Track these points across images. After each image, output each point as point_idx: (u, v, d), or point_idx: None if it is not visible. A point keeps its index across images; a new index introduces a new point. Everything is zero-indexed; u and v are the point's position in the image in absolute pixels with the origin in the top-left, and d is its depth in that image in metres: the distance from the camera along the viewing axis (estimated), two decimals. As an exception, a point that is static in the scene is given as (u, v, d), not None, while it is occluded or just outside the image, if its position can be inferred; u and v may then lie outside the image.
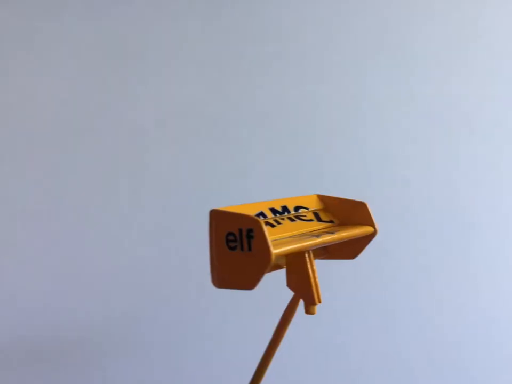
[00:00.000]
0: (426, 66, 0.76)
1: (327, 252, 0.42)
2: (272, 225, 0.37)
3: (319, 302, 0.36)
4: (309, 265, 0.35)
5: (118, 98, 0.73)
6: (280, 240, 0.35)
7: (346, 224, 0.42)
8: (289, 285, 0.36)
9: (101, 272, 0.72)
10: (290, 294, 0.37)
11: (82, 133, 0.73)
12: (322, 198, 0.43)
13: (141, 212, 0.73)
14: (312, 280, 0.35)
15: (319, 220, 0.41)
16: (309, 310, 0.36)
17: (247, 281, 0.32)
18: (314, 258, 0.37)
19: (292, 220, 0.39)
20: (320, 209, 0.42)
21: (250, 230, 0.31)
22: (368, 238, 0.41)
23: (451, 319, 0.76)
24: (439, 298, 0.76)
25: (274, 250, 0.30)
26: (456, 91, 0.76)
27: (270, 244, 0.30)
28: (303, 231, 0.39)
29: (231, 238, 0.32)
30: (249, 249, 0.31)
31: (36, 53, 0.73)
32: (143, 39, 0.73)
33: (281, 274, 0.37)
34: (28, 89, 0.72)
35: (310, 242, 0.34)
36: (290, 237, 0.37)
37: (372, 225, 0.41)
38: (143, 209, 0.73)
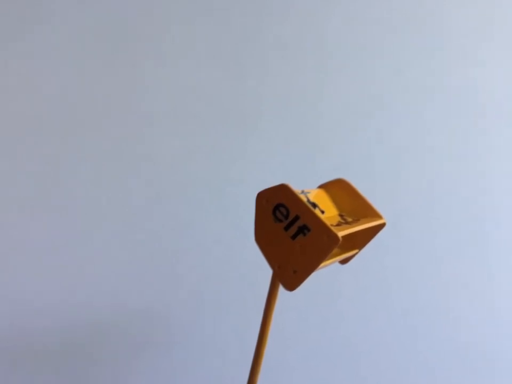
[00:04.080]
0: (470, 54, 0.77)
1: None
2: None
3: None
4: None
5: (130, 88, 0.73)
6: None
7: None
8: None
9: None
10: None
11: (90, 124, 0.72)
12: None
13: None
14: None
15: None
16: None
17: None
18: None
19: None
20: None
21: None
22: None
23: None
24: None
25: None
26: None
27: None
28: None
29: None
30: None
31: (44, 39, 0.72)
32: (154, 27, 0.73)
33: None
34: (34, 78, 0.72)
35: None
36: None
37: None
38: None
